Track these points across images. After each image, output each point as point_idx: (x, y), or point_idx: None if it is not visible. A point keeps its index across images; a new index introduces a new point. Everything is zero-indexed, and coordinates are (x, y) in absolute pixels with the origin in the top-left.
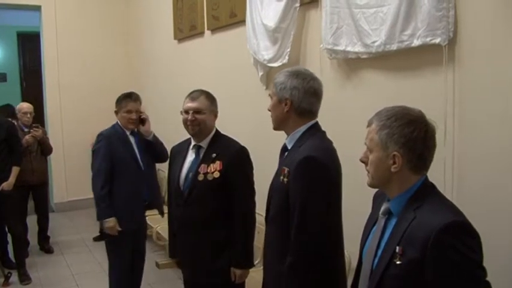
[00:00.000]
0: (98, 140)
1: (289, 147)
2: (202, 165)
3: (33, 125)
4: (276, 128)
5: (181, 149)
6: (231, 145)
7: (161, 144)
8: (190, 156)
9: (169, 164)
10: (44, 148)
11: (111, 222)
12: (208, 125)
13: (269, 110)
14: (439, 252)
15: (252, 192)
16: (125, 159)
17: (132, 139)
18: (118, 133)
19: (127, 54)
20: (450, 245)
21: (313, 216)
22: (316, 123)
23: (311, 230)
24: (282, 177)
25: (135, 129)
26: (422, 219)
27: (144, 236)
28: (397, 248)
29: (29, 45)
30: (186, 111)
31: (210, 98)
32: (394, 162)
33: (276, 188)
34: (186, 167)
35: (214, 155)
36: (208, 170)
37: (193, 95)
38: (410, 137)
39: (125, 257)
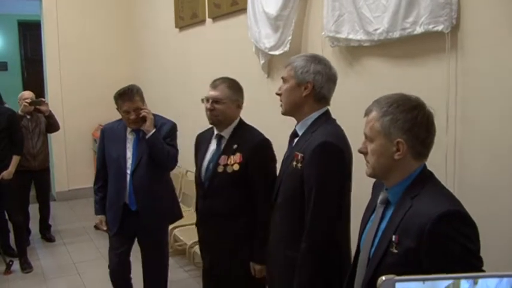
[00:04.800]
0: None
1: (299, 133)
2: (223, 156)
3: (36, 100)
4: (286, 113)
5: (204, 138)
6: (252, 137)
7: (161, 149)
8: (213, 146)
9: (195, 152)
10: (52, 123)
11: (97, 220)
12: (229, 115)
13: (278, 94)
14: (435, 241)
15: (272, 186)
16: (112, 157)
17: (132, 136)
18: (117, 128)
19: (128, 42)
20: (446, 233)
21: (329, 201)
22: (328, 110)
23: (327, 215)
24: (295, 163)
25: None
26: (418, 208)
27: (154, 241)
28: (394, 236)
29: (29, 34)
30: (207, 100)
31: (233, 87)
32: (398, 150)
33: (287, 173)
34: (208, 157)
35: (235, 146)
36: (228, 162)
37: (215, 83)
38: (414, 123)
39: (115, 250)
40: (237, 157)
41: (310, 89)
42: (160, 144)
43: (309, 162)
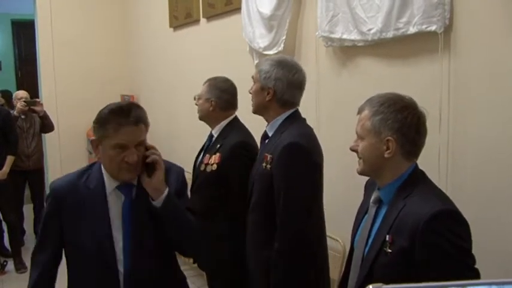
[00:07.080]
0: (46, 200)
1: (269, 135)
2: (207, 155)
3: (30, 100)
4: (255, 112)
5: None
6: (233, 138)
7: (183, 221)
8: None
9: None
10: (47, 123)
11: None
12: (204, 112)
13: (250, 93)
14: (428, 240)
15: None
16: (85, 244)
17: (117, 198)
18: (85, 187)
19: (122, 41)
20: (439, 233)
21: (298, 201)
22: (296, 111)
23: (297, 215)
24: (264, 164)
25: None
26: (411, 208)
27: None
28: (387, 236)
29: (23, 33)
30: None
31: (211, 85)
32: (388, 148)
33: (258, 175)
34: (202, 154)
35: (218, 145)
36: (209, 161)
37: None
38: (404, 122)
39: None
40: (216, 157)
41: (272, 95)
42: (180, 212)
43: (276, 163)
